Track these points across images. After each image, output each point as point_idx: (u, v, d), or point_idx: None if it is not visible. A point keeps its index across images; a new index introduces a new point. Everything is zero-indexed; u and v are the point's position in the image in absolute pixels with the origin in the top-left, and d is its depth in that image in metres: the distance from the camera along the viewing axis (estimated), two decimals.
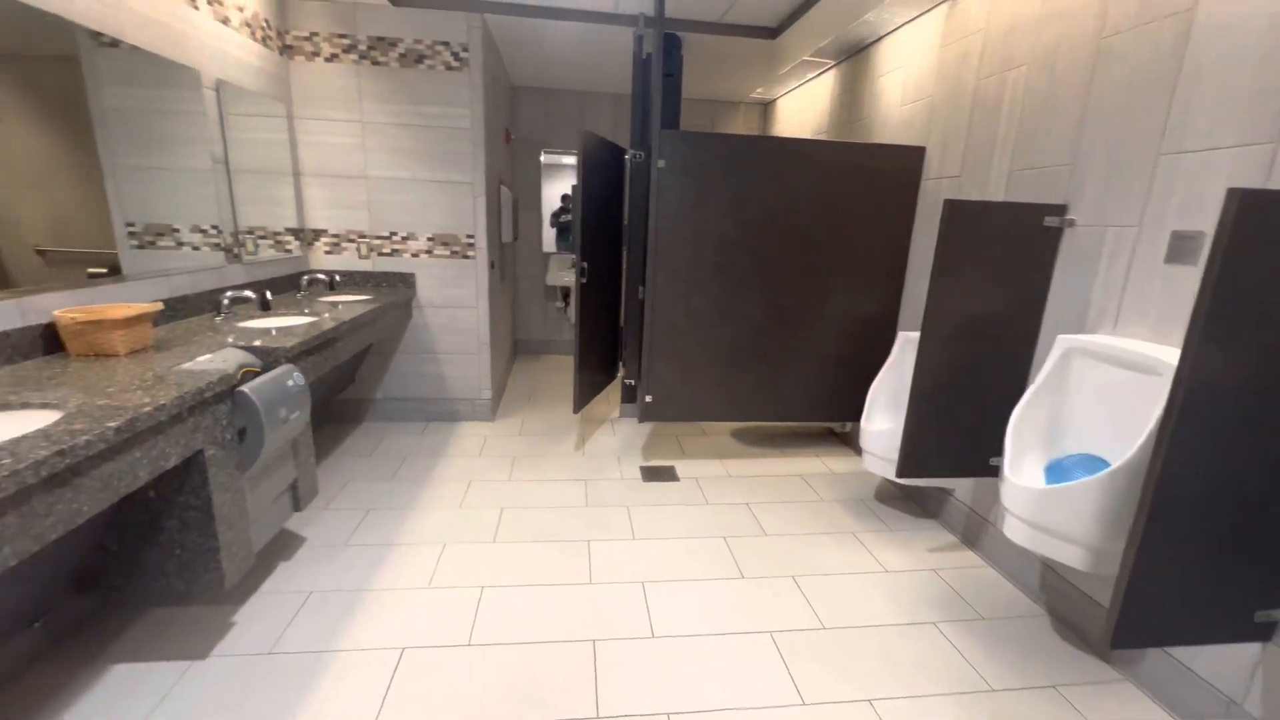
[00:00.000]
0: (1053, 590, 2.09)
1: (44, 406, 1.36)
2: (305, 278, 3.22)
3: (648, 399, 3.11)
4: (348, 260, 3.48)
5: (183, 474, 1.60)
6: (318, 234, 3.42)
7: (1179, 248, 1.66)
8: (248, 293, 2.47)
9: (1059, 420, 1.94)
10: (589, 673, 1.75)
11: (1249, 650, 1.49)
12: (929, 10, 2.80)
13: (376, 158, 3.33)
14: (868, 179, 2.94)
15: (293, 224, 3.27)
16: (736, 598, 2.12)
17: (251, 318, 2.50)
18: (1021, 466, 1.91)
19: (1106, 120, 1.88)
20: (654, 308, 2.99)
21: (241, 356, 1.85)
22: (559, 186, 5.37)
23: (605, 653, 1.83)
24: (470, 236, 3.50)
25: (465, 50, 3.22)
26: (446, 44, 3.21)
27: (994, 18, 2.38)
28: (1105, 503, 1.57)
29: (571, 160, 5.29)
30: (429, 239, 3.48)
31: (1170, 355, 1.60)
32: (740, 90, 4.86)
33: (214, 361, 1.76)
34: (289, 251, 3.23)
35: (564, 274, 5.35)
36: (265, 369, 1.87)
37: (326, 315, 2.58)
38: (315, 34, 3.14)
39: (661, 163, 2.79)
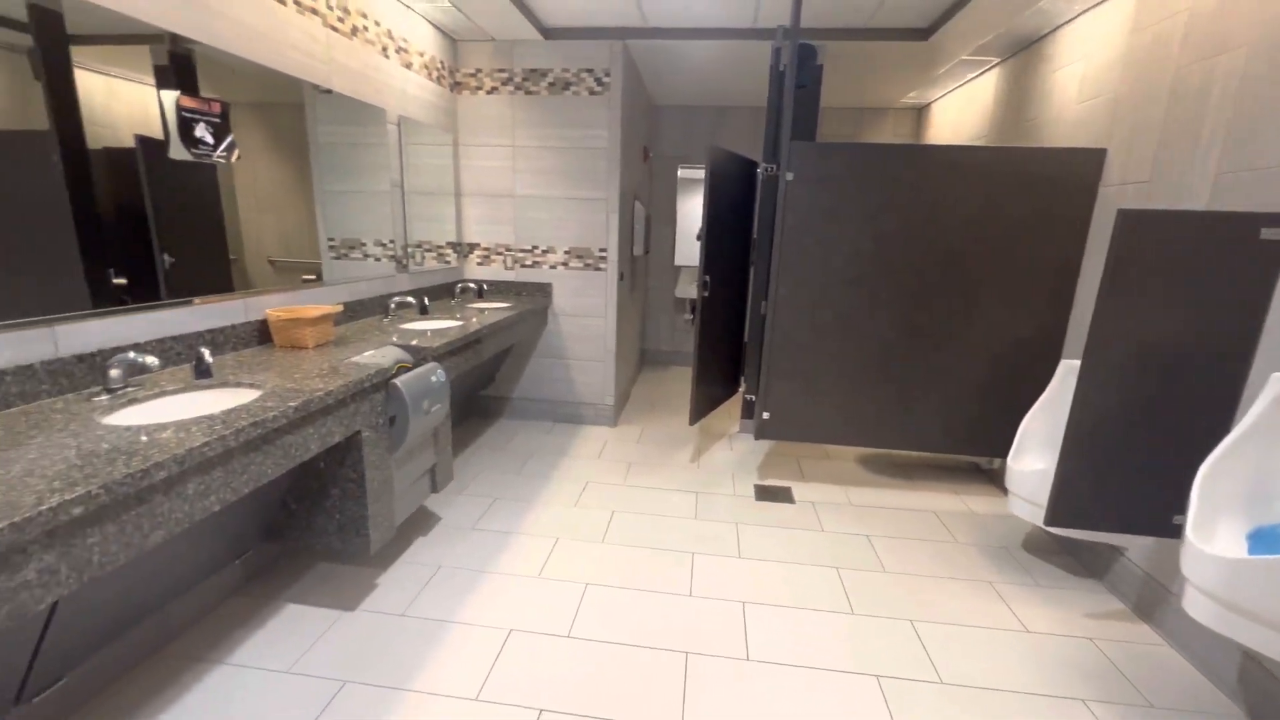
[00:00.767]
0: (1257, 688, 1.68)
1: (250, 386, 1.68)
2: (459, 286, 3.62)
3: (765, 416, 3.04)
4: (495, 271, 3.84)
5: (345, 450, 1.88)
6: (472, 247, 3.82)
7: None
8: (410, 298, 2.84)
9: (1271, 477, 1.57)
10: (678, 684, 1.75)
11: None
12: None
13: (523, 178, 3.65)
14: (1032, 187, 2.62)
15: (452, 238, 3.69)
16: (843, 633, 1.99)
17: (412, 320, 2.86)
18: (1213, 530, 1.58)
19: None
20: (775, 322, 2.92)
21: (398, 353, 2.14)
22: (695, 201, 5.45)
23: (697, 667, 1.82)
24: (602, 250, 3.69)
25: (607, 75, 3.42)
26: (590, 70, 3.43)
27: None
28: None
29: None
30: (565, 252, 3.73)
31: None
32: (890, 95, 4.58)
33: (376, 357, 2.05)
34: (447, 263, 3.66)
35: (693, 287, 5.41)
36: (416, 365, 2.14)
37: (473, 320, 2.87)
38: (480, 70, 3.54)
39: (790, 175, 2.73)
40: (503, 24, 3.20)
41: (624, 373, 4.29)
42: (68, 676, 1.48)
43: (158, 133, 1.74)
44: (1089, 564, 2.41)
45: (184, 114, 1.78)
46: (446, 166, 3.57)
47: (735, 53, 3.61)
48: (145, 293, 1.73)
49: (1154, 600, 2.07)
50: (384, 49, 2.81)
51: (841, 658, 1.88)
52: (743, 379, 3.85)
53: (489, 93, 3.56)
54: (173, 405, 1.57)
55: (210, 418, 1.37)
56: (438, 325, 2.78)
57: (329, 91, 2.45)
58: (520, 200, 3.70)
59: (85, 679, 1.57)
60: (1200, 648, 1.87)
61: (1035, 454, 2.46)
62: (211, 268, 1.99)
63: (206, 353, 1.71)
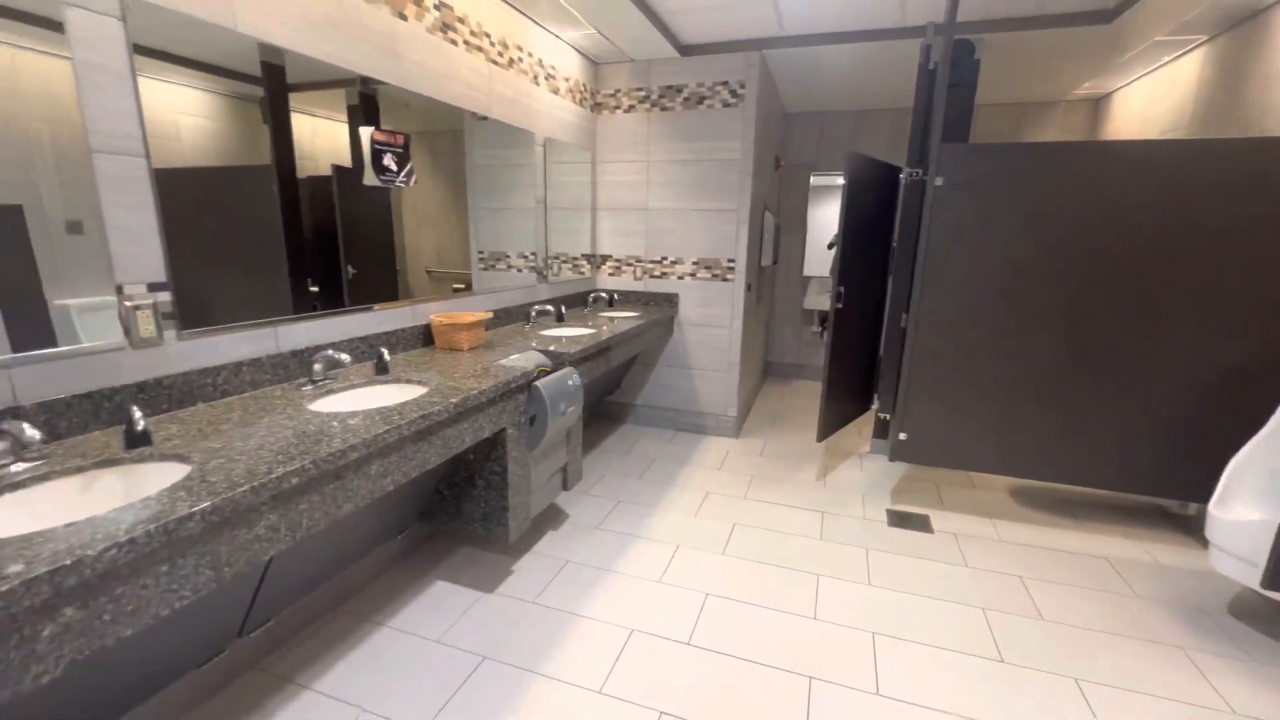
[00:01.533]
0: None
1: (419, 383, 1.91)
2: (591, 295, 3.80)
3: (901, 437, 2.85)
4: (625, 281, 3.99)
5: (491, 445, 2.06)
6: (604, 259, 4.00)
7: None
8: (548, 307, 3.04)
9: None
10: (800, 708, 1.69)
11: None
12: None
13: (656, 191, 3.76)
14: (1247, 186, 2.22)
15: (587, 250, 3.90)
16: (990, 681, 1.81)
17: (549, 327, 3.06)
18: None
19: None
20: (917, 337, 2.73)
21: (539, 358, 2.30)
22: (827, 209, 5.26)
23: (821, 693, 1.75)
24: (730, 261, 3.69)
25: (742, 87, 3.43)
26: (725, 83, 3.46)
27: None
28: None
29: (841, 182, 5.13)
30: (693, 262, 3.78)
31: None
32: (1060, 88, 4.11)
33: (520, 360, 2.22)
34: (581, 273, 3.86)
35: (822, 298, 5.21)
36: (554, 369, 2.29)
37: (604, 328, 3.01)
38: (618, 90, 3.71)
39: (939, 180, 2.55)
40: (642, 45, 3.34)
41: (747, 384, 4.24)
42: (274, 619, 1.77)
43: (347, 162, 2.04)
44: None
45: (376, 146, 2.07)
46: (585, 183, 3.78)
47: (877, 54, 3.45)
48: (332, 299, 2.03)
49: None
50: (535, 77, 3.06)
51: (987, 708, 1.70)
52: (876, 396, 3.64)
53: (626, 111, 3.72)
54: (359, 396, 1.82)
55: (388, 409, 1.57)
56: (573, 332, 2.95)
57: (485, 119, 2.71)
58: (652, 213, 3.81)
59: (285, 623, 1.87)
60: None
61: (1248, 501, 2.06)
62: (383, 278, 2.29)
63: (385, 352, 1.97)
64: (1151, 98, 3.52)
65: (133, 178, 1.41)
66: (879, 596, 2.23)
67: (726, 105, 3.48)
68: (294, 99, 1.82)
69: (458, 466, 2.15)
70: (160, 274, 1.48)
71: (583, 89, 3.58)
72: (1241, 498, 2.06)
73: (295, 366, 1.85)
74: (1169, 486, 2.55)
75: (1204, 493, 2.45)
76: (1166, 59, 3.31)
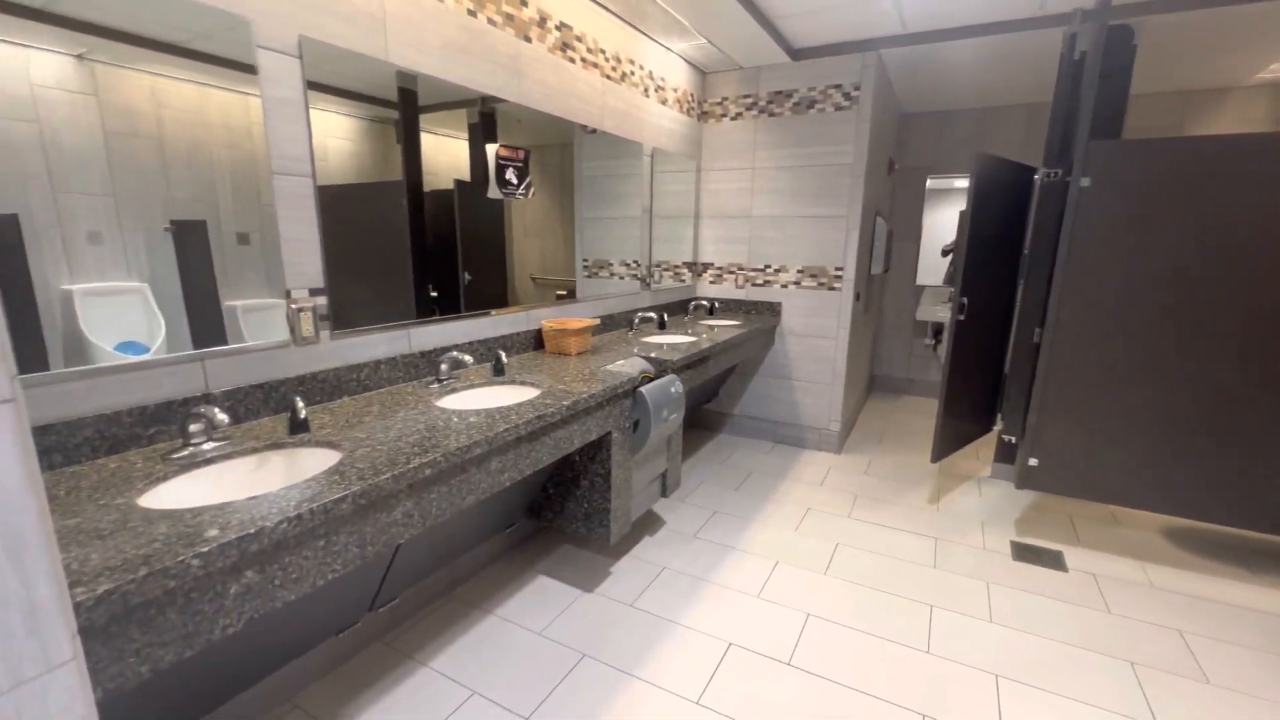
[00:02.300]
0: None
1: (532, 385, 2.00)
2: (691, 303, 3.81)
3: (1032, 462, 2.59)
4: (726, 289, 3.96)
5: (596, 448, 2.12)
6: (705, 266, 4.00)
7: None
8: (651, 314, 3.08)
9: None
10: None
11: None
12: None
13: (761, 198, 3.70)
14: None
15: (688, 258, 3.91)
16: None
17: (651, 334, 3.10)
18: None
19: None
20: (1054, 354, 2.48)
21: (642, 364, 2.34)
22: (943, 214, 4.93)
23: None
24: (839, 269, 3.55)
25: (856, 89, 3.30)
26: (839, 86, 3.35)
27: None
28: None
29: (961, 184, 4.79)
30: (798, 271, 3.68)
31: None
32: (1236, 72, 3.58)
33: (624, 366, 2.27)
34: (683, 281, 3.88)
35: (936, 308, 4.88)
36: (657, 375, 2.31)
37: (704, 336, 3.00)
38: (725, 98, 3.70)
39: (1086, 180, 2.31)
40: (752, 51, 3.31)
41: (851, 398, 4.05)
42: (399, 598, 1.93)
43: (466, 176, 2.18)
44: None
45: (500, 161, 2.21)
46: (688, 191, 3.80)
47: (1009, 46, 3.19)
48: (449, 304, 2.17)
49: None
50: (645, 89, 3.12)
51: None
52: (1000, 416, 3.34)
53: (733, 119, 3.70)
54: (479, 396, 1.95)
55: (507, 409, 1.66)
56: (674, 340, 2.97)
57: (594, 131, 2.80)
58: (755, 220, 3.75)
59: (407, 603, 2.02)
60: None
61: None
62: (496, 284, 2.42)
63: (503, 355, 2.09)
64: None
65: (301, 195, 1.60)
66: (1003, 635, 2.04)
67: (839, 108, 3.37)
68: (423, 120, 1.98)
69: (564, 466, 2.23)
70: (319, 280, 1.67)
71: (690, 98, 3.61)
72: None
73: (423, 366, 2.01)
74: None
75: None
76: None
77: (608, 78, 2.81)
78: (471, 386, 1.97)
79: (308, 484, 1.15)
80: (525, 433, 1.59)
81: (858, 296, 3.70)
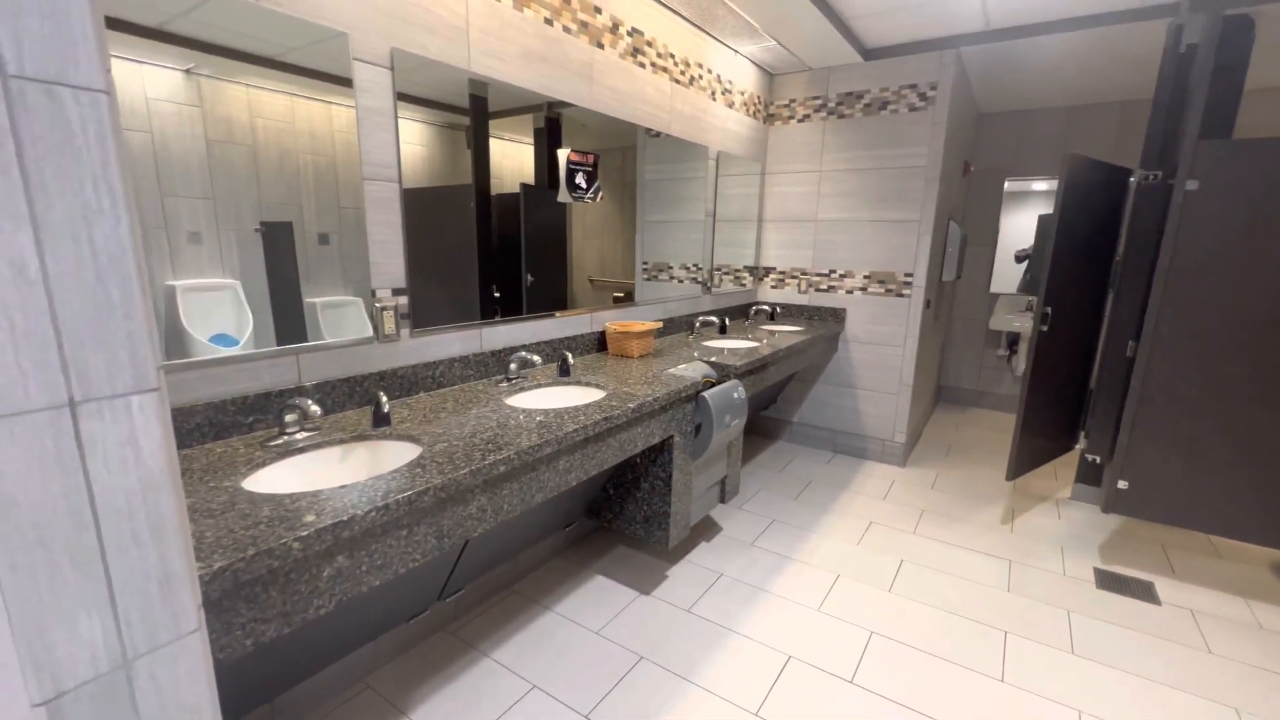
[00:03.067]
0: None
1: (597, 387, 2.03)
2: (752, 308, 3.76)
3: (1121, 485, 2.42)
4: (788, 294, 3.89)
5: (658, 451, 2.12)
6: (767, 271, 3.94)
7: None
8: (712, 318, 3.06)
9: None
10: None
11: None
12: None
13: (828, 201, 3.62)
14: None
15: (750, 263, 3.87)
16: None
17: (712, 339, 3.08)
18: None
19: None
20: (1150, 370, 2.31)
21: (704, 369, 2.33)
22: (1022, 218, 4.67)
23: None
24: (908, 275, 3.42)
25: (933, 89, 3.18)
26: (914, 86, 3.23)
27: None
28: None
29: (1041, 187, 4.53)
30: (865, 276, 3.57)
31: None
32: None
33: (687, 370, 2.26)
34: (743, 285, 3.84)
35: (1014, 318, 4.62)
36: (719, 380, 2.30)
37: (765, 342, 2.96)
38: (793, 100, 3.64)
39: (1193, 184, 2.14)
40: (822, 53, 3.24)
41: (918, 409, 3.90)
42: (465, 589, 1.99)
43: (531, 180, 2.22)
44: None
45: (571, 166, 2.25)
46: (752, 195, 3.76)
47: (1102, 40, 2.99)
48: (511, 305, 2.21)
49: None
50: (712, 93, 3.11)
51: None
52: (1084, 435, 3.14)
53: (800, 121, 3.63)
54: (546, 395, 1.99)
55: (574, 409, 1.69)
56: (736, 345, 2.94)
57: (658, 135, 2.80)
58: (821, 224, 3.67)
59: (472, 594, 2.09)
60: None
61: None
62: (556, 286, 2.45)
63: (570, 356, 2.13)
64: None
65: (388, 199, 1.68)
66: (1086, 669, 1.91)
67: (913, 109, 3.25)
68: (491, 125, 2.03)
69: (624, 468, 2.25)
70: (401, 280, 1.75)
71: (756, 101, 3.57)
72: None
73: (493, 365, 2.07)
74: None
75: None
76: None
77: (676, 81, 2.81)
78: (539, 386, 2.01)
79: (392, 475, 1.20)
80: (593, 434, 1.61)
81: (928, 304, 3.55)
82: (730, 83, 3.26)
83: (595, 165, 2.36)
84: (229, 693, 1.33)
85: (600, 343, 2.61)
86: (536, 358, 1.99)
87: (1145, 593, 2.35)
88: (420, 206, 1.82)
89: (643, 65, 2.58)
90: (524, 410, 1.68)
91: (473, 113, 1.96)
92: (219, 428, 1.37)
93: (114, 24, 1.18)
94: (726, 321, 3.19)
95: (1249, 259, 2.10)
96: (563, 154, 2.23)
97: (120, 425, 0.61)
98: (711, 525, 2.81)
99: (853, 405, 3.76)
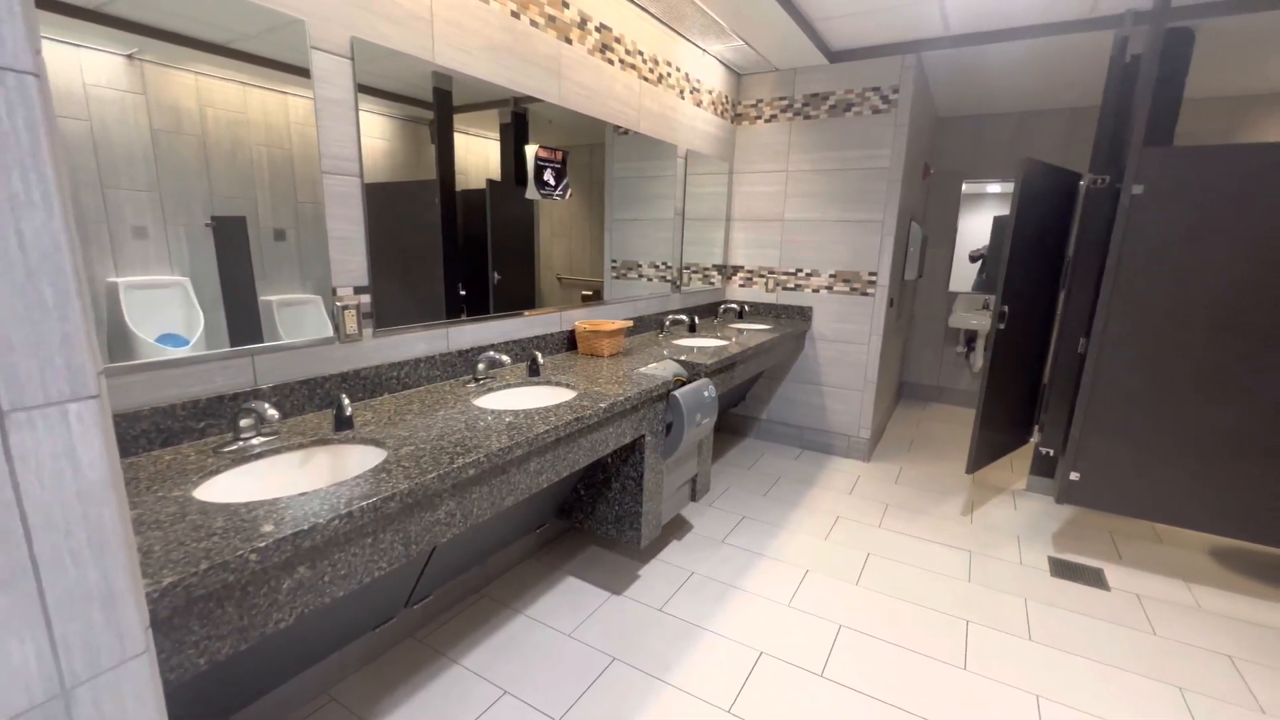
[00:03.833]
0: None
1: (568, 387, 2.00)
2: (721, 306, 3.78)
3: (1073, 476, 2.52)
4: (755, 293, 3.93)
5: (629, 451, 2.11)
6: (735, 270, 3.97)
7: None
8: (682, 317, 3.07)
9: None
10: None
11: None
12: None
13: (794, 201, 3.66)
14: None
15: (718, 261, 3.89)
16: None
17: (682, 337, 3.09)
18: None
19: None
20: (1100, 366, 2.41)
21: (675, 367, 2.33)
22: (978, 219, 4.83)
23: None
24: (873, 274, 3.49)
25: (895, 92, 3.25)
26: (876, 89, 3.30)
27: None
28: None
29: (995, 189, 4.70)
30: (830, 275, 3.63)
31: None
32: None
33: (658, 369, 2.26)
34: (712, 284, 3.86)
35: (971, 316, 4.78)
36: (690, 379, 2.30)
37: (734, 340, 2.98)
38: (760, 100, 3.67)
39: (1139, 188, 2.24)
40: (789, 54, 3.28)
41: (881, 405, 3.99)
42: (433, 595, 1.94)
43: (497, 176, 2.18)
44: None
45: (539, 162, 2.22)
46: (720, 194, 3.78)
47: (1054, 49, 3.11)
48: (478, 303, 2.16)
49: None
50: (681, 91, 3.11)
51: None
52: (1037, 428, 3.26)
53: (767, 121, 3.67)
54: (516, 396, 1.95)
55: (545, 410, 1.66)
56: (706, 343, 2.95)
57: (626, 133, 2.78)
58: (788, 224, 3.72)
59: (441, 599, 2.04)
60: None
61: None
62: (524, 284, 2.41)
63: (539, 355, 2.09)
64: None
65: (349, 194, 1.62)
66: (1043, 655, 1.98)
67: (876, 111, 3.32)
68: (455, 119, 1.98)
69: (595, 468, 2.23)
70: (364, 278, 1.69)
71: (724, 100, 3.58)
72: None
73: (460, 365, 2.02)
74: None
75: None
76: None
77: (645, 79, 2.80)
78: (508, 386, 1.98)
79: (356, 481, 1.16)
80: (564, 434, 1.59)
81: (891, 302, 3.64)
82: (699, 81, 3.27)
83: (564, 162, 2.33)
84: (181, 713, 1.26)
85: (570, 342, 2.58)
86: (505, 357, 1.96)
87: (1096, 579, 2.46)
88: (383, 202, 1.76)
89: (611, 62, 2.55)
90: (493, 411, 1.64)
91: (437, 106, 1.91)
92: (168, 434, 1.30)
93: (46, 3, 1.10)
94: (696, 320, 3.20)
95: (1190, 260, 2.21)
96: (530, 150, 2.20)
97: (56, 436, 0.56)
98: (682, 523, 2.81)
99: (819, 402, 3.82)
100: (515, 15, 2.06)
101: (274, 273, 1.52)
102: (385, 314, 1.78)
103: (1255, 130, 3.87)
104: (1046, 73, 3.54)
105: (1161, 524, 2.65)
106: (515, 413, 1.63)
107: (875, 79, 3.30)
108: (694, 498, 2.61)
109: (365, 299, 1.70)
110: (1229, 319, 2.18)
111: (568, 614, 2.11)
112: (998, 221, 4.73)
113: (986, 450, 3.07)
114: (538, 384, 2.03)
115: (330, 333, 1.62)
